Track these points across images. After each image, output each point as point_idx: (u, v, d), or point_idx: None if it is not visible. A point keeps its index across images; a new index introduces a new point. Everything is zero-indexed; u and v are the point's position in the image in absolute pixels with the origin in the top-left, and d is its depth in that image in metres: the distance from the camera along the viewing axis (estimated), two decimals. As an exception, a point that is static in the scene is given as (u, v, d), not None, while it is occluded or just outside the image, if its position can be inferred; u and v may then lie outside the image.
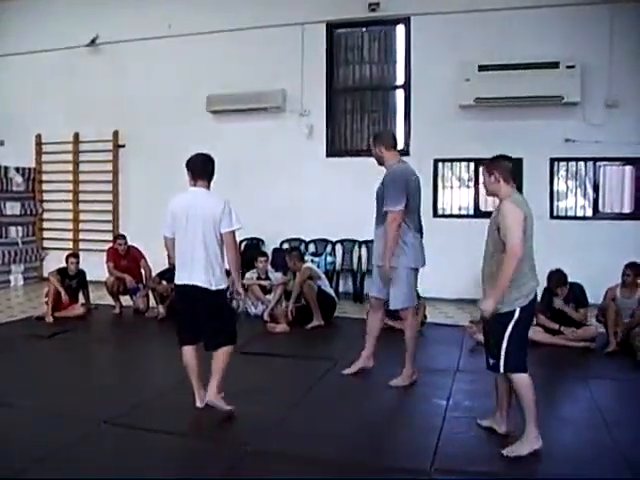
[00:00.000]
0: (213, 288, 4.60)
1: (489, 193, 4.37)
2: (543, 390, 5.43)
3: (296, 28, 10.05)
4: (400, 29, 9.86)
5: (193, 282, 4.61)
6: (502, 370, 4.09)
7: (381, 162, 5.55)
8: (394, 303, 5.51)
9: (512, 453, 3.98)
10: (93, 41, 11.28)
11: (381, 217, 5.39)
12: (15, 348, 6.92)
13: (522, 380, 4.06)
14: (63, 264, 8.67)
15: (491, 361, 4.16)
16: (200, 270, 4.59)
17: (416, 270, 5.43)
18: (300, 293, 7.78)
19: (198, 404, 4.83)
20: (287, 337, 7.41)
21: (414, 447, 4.26)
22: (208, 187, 4.77)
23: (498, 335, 4.07)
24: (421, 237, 5.46)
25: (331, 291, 8.17)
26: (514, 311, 4.02)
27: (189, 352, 4.81)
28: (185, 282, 4.66)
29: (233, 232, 4.67)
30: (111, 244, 9.11)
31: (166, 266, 7.54)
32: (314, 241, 10.01)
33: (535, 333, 6.73)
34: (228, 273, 4.83)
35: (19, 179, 11.56)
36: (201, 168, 4.77)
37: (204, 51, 10.52)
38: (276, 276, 8.40)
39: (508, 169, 4.20)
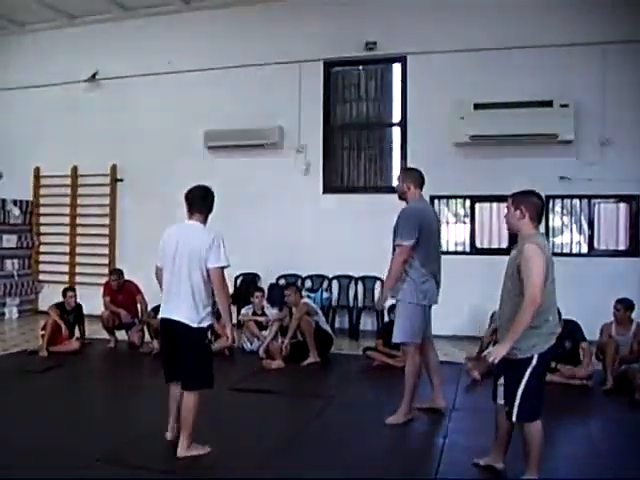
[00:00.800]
0: (194, 325, 4.47)
1: (510, 228, 4.17)
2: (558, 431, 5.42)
3: (294, 66, 10.19)
4: (396, 67, 10.02)
5: (175, 317, 4.50)
6: (515, 419, 3.94)
7: (403, 197, 5.57)
8: (396, 336, 5.51)
9: None
10: (93, 76, 11.42)
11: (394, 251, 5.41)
12: (7, 382, 6.84)
13: (534, 428, 3.93)
14: (58, 297, 8.65)
15: (505, 408, 4.00)
16: (183, 305, 4.48)
17: (422, 307, 5.38)
18: (297, 329, 7.75)
19: (168, 436, 4.78)
20: (282, 374, 7.36)
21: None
22: (204, 221, 4.67)
23: (513, 382, 3.90)
24: (436, 277, 5.42)
25: (328, 327, 8.15)
26: (532, 358, 3.84)
27: (174, 389, 4.74)
28: (167, 316, 4.56)
29: (221, 269, 4.51)
30: (107, 278, 9.10)
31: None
32: (310, 277, 10.02)
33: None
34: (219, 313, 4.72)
35: (16, 212, 11.58)
36: (199, 201, 4.67)
37: (203, 87, 10.63)
38: (272, 312, 8.38)
39: (537, 206, 4.00)
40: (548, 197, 9.17)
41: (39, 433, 5.15)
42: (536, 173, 8.95)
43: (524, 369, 3.85)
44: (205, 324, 4.55)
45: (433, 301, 5.44)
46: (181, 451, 4.55)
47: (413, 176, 5.58)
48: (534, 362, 3.84)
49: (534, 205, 3.99)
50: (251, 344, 8.31)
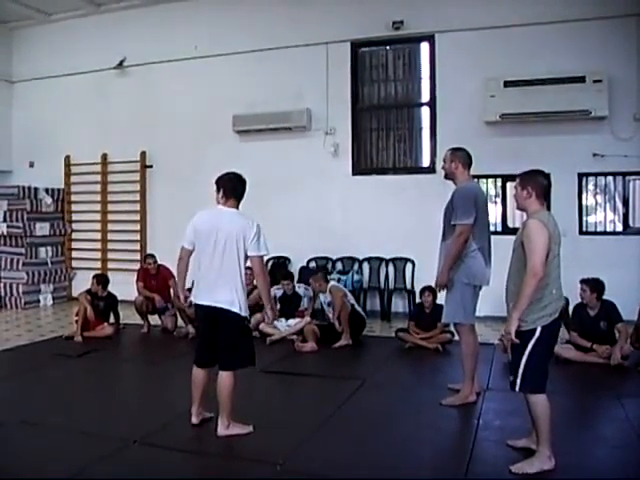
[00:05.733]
0: (237, 310, 4.54)
1: (519, 207, 4.28)
2: (576, 409, 5.38)
3: (321, 47, 10.11)
4: (424, 46, 9.88)
5: (215, 303, 4.56)
6: (518, 389, 4.01)
7: (451, 177, 5.53)
8: (446, 316, 5.52)
9: (520, 470, 3.94)
10: (121, 63, 11.46)
11: (449, 231, 5.35)
12: (44, 367, 6.98)
13: (538, 401, 3.99)
14: (91, 284, 8.75)
15: (510, 378, 4.09)
16: (224, 291, 4.53)
17: (473, 287, 5.37)
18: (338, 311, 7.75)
19: (194, 420, 4.81)
20: (315, 356, 7.38)
21: (443, 469, 4.20)
22: (237, 207, 4.71)
23: (518, 353, 4.01)
24: (488, 257, 5.39)
25: (360, 309, 8.13)
26: (535, 330, 3.95)
27: (200, 371, 4.77)
28: (206, 302, 4.60)
29: (261, 257, 4.61)
30: (139, 264, 9.17)
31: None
32: (341, 259, 9.99)
33: (566, 351, 6.66)
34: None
35: (48, 200, 11.72)
36: (233, 187, 4.70)
37: (230, 71, 10.64)
38: (305, 292, 8.36)
39: (542, 185, 4.12)
40: (581, 175, 9.06)
41: (77, 416, 5.25)
42: (569, 150, 8.85)
43: (527, 341, 3.96)
44: (245, 308, 4.62)
45: (484, 282, 5.39)
46: (221, 430, 4.63)
47: (461, 156, 5.54)
48: (537, 334, 3.95)
49: (540, 184, 4.12)
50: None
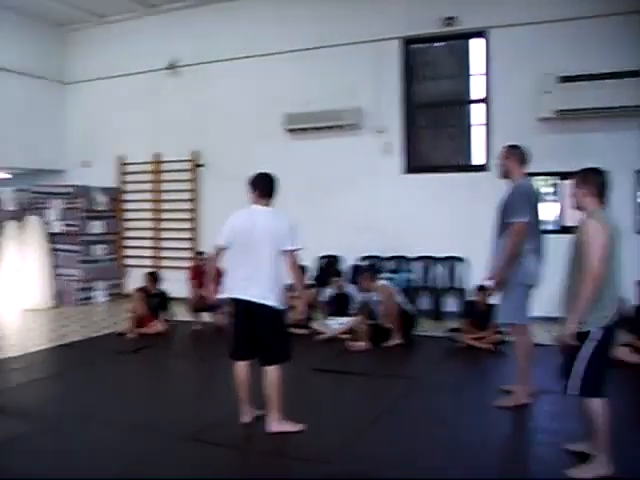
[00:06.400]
0: (272, 304, 4.65)
1: (576, 206, 4.19)
2: (636, 414, 5.21)
3: (371, 45, 10.07)
4: (477, 42, 9.71)
5: (253, 298, 4.67)
6: (577, 393, 3.92)
7: (506, 175, 5.44)
8: (501, 317, 5.44)
9: (577, 475, 3.85)
10: (173, 64, 11.59)
11: (503, 230, 5.27)
12: (99, 363, 7.16)
13: (596, 405, 3.90)
14: (143, 282, 8.90)
15: (563, 381, 4.00)
16: (262, 287, 4.65)
17: (527, 287, 5.29)
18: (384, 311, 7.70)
19: (244, 419, 4.88)
20: (366, 355, 7.34)
21: (496, 473, 4.13)
22: (270, 205, 4.87)
23: (574, 356, 3.91)
24: (542, 256, 5.30)
25: (410, 308, 8.06)
26: (593, 331, 3.86)
27: (241, 366, 4.86)
28: (244, 297, 4.71)
29: (295, 251, 4.75)
30: (191, 262, 9.25)
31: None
32: (391, 258, 9.90)
33: (625, 353, 6.48)
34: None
35: (103, 199, 11.93)
36: (267, 186, 4.86)
37: (281, 70, 10.67)
38: (356, 294, 8.31)
39: (599, 184, 4.04)
40: (638, 172, 8.79)
41: (129, 411, 5.37)
42: (626, 147, 8.61)
43: (585, 343, 3.88)
44: (281, 302, 4.74)
45: (537, 282, 5.30)
46: (271, 426, 4.70)
47: (518, 153, 5.46)
48: (595, 336, 3.87)
49: (597, 182, 4.05)
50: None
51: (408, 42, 10.04)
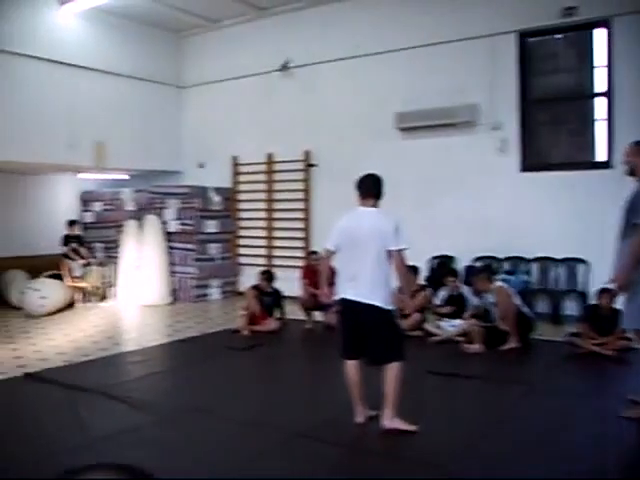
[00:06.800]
0: (379, 304, 4.65)
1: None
2: None
3: (485, 40, 9.78)
4: (600, 33, 9.23)
5: (359, 298, 4.69)
6: None
7: (632, 172, 5.14)
8: (626, 322, 5.16)
9: None
10: (285, 65, 11.71)
11: (629, 231, 4.96)
12: (214, 358, 7.35)
13: None
14: (257, 279, 9.04)
15: None
16: (368, 287, 4.67)
17: None
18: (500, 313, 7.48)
19: (358, 419, 4.87)
20: (481, 358, 7.15)
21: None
22: (377, 206, 4.87)
23: None
24: None
25: (528, 311, 7.77)
26: None
27: (351, 366, 4.88)
28: (351, 297, 4.75)
29: (401, 251, 4.70)
30: (303, 261, 9.32)
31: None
32: (508, 259, 9.58)
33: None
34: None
35: (217, 198, 12.23)
36: (371, 187, 4.88)
37: (391, 68, 10.58)
38: (471, 297, 8.10)
39: None
40: None
41: (244, 406, 5.48)
42: None
43: None
44: (389, 302, 4.74)
45: None
46: (385, 422, 4.70)
47: None
48: None
49: None
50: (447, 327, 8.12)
51: (525, 35, 9.67)
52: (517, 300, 7.67)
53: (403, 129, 10.38)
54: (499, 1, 9.67)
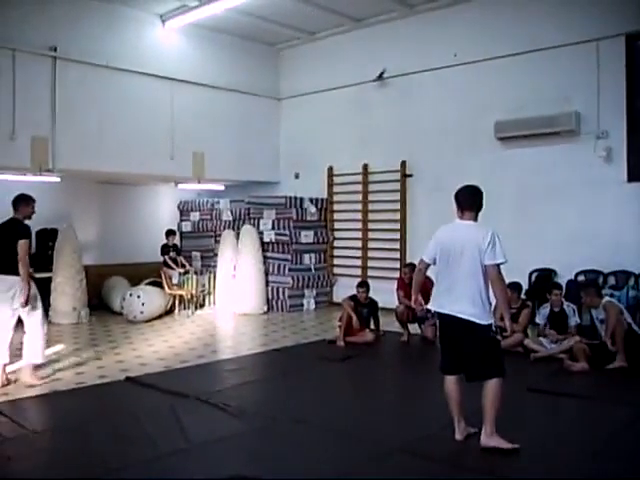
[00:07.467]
0: (475, 320, 4.55)
1: None
2: None
3: (589, 45, 9.41)
4: None
5: (455, 313, 4.62)
6: None
7: None
8: None
9: None
10: (381, 75, 11.68)
11: None
12: (310, 368, 7.36)
13: None
14: (352, 290, 9.02)
15: None
16: (463, 302, 4.59)
17: None
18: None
19: (457, 436, 4.75)
20: (585, 377, 6.84)
21: None
22: (475, 219, 4.76)
23: None
24: None
25: (638, 329, 7.37)
26: None
27: (451, 381, 4.79)
28: (447, 312, 4.69)
29: (497, 265, 4.57)
30: (399, 272, 9.22)
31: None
32: (614, 273, 9.14)
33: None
34: None
35: (313, 209, 12.30)
36: (469, 200, 4.78)
37: (490, 77, 10.37)
38: (573, 312, 7.76)
39: None
40: None
41: (340, 418, 5.46)
42: None
43: None
44: (486, 320, 4.61)
45: None
46: (483, 439, 4.59)
47: None
48: None
49: None
50: (549, 345, 7.80)
51: (634, 38, 9.24)
52: (627, 317, 7.31)
53: (502, 138, 10.14)
54: (604, 4, 9.28)
